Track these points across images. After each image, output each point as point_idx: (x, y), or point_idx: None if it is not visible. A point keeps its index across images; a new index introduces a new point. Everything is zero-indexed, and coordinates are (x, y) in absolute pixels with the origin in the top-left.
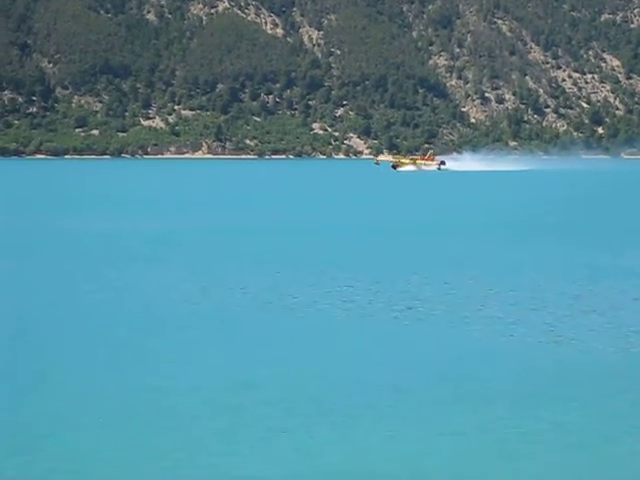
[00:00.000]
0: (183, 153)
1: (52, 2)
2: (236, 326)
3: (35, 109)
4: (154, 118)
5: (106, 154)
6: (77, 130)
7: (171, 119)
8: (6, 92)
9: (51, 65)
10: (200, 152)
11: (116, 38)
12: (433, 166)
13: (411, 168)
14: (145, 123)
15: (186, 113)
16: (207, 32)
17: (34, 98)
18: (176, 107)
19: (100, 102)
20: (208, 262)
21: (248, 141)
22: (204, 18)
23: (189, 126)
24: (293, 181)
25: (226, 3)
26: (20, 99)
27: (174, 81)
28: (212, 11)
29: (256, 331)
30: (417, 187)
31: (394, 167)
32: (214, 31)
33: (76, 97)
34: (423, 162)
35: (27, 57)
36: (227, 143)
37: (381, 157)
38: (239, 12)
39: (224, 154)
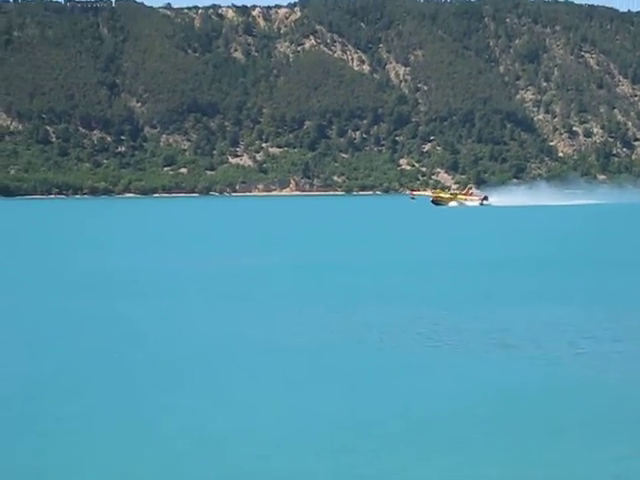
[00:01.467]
0: (271, 190)
1: (140, 42)
2: (354, 365)
3: (124, 148)
4: (242, 156)
5: (194, 192)
6: (165, 169)
7: (259, 157)
8: (95, 132)
9: (139, 104)
10: (288, 189)
11: (204, 77)
12: (476, 201)
13: (454, 204)
14: (233, 161)
15: (274, 150)
16: (294, 69)
17: (123, 137)
18: (264, 145)
19: (188, 140)
20: (301, 300)
21: (336, 178)
22: (291, 56)
23: (277, 163)
24: (376, 217)
25: (312, 40)
26: (109, 138)
27: (261, 119)
28: (299, 49)
29: (375, 369)
30: (477, 223)
31: (435, 203)
32: (301, 68)
33: (164, 136)
34: (464, 197)
35: (116, 97)
36: (315, 180)
37: (418, 192)
38: (325, 49)
39: (312, 191)
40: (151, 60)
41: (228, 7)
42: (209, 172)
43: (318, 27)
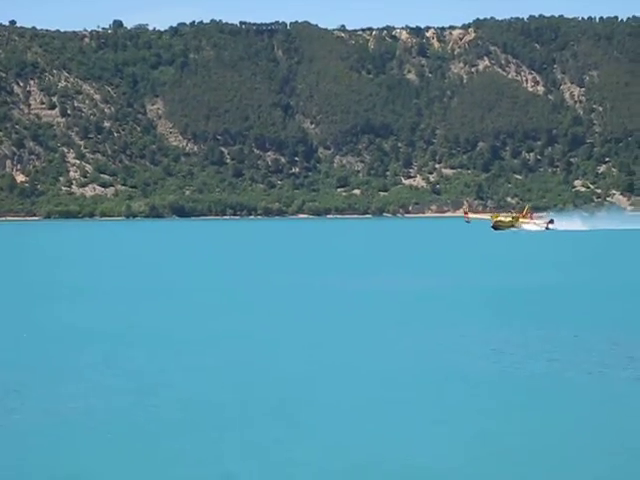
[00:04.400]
0: (444, 212)
1: (314, 64)
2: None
3: (298, 169)
4: (415, 177)
5: (367, 213)
6: (339, 190)
7: (432, 178)
8: (269, 153)
9: (313, 126)
10: (461, 210)
11: (377, 98)
12: (541, 225)
13: (514, 229)
14: (406, 182)
15: (447, 172)
16: (467, 90)
17: (297, 158)
18: (437, 166)
19: (361, 162)
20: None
21: (509, 199)
22: (464, 77)
23: (450, 184)
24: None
25: (486, 62)
26: (283, 160)
27: (435, 140)
28: (472, 70)
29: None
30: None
31: (495, 228)
32: (475, 89)
33: (338, 157)
34: (526, 220)
35: (290, 118)
36: (488, 201)
37: (472, 215)
38: (499, 70)
39: (485, 212)
40: (325, 82)
41: (402, 28)
42: (382, 193)
43: (492, 48)
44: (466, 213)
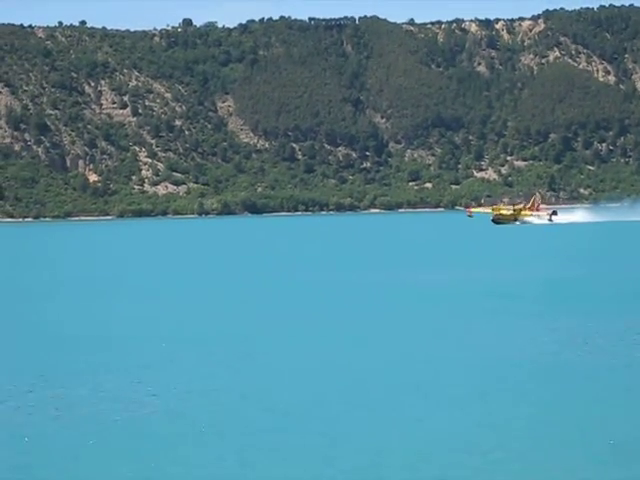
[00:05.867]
0: (517, 204)
1: (384, 58)
2: None
3: (369, 164)
4: (487, 170)
5: (439, 207)
6: (410, 184)
7: (504, 170)
8: (340, 148)
9: (384, 120)
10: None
11: (447, 91)
12: (544, 217)
13: (517, 222)
14: (478, 175)
15: (519, 164)
16: (538, 82)
17: (368, 153)
18: (508, 158)
19: (433, 155)
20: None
21: (582, 190)
22: (535, 68)
23: (522, 177)
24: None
25: (557, 52)
26: (354, 155)
27: (506, 132)
28: (543, 61)
29: None
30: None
31: (495, 222)
32: (545, 81)
33: (409, 151)
34: (529, 212)
35: (360, 113)
36: (561, 192)
37: (474, 208)
38: (570, 61)
39: (558, 204)
40: (395, 76)
41: (471, 21)
42: (454, 186)
43: (562, 39)
44: (468, 208)
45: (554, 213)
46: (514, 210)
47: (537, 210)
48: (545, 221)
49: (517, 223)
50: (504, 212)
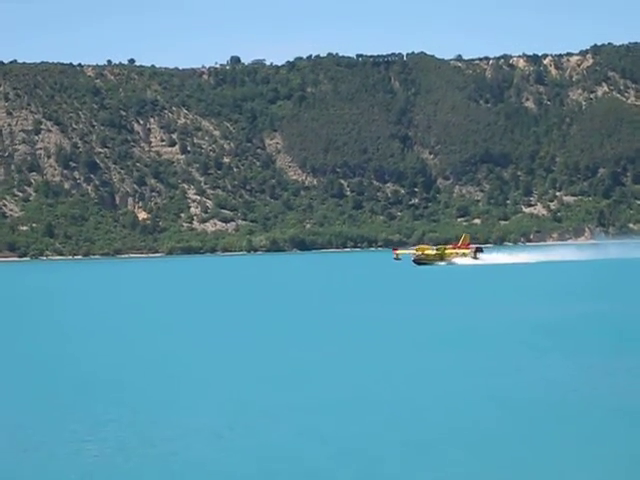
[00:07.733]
0: (566, 239)
1: (432, 94)
2: None
3: (417, 200)
4: (535, 205)
5: (488, 243)
6: (459, 219)
7: (553, 205)
8: (389, 184)
9: (432, 156)
10: (583, 237)
11: (496, 127)
12: (468, 257)
13: (442, 263)
14: (526, 210)
15: (568, 199)
16: (587, 117)
17: (416, 189)
18: (557, 193)
19: (481, 191)
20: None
21: (632, 225)
22: (583, 103)
23: (571, 212)
24: None
25: (605, 87)
26: (402, 191)
27: (554, 167)
28: (591, 96)
29: None
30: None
31: (417, 262)
32: (594, 116)
33: (457, 187)
34: (455, 251)
35: (408, 149)
36: (610, 228)
37: (402, 250)
38: (619, 96)
39: (607, 239)
40: (443, 112)
41: (519, 56)
42: (502, 222)
43: (611, 73)
44: (395, 250)
45: (479, 250)
46: (437, 250)
47: (466, 248)
48: (470, 261)
49: (442, 264)
50: (428, 252)
